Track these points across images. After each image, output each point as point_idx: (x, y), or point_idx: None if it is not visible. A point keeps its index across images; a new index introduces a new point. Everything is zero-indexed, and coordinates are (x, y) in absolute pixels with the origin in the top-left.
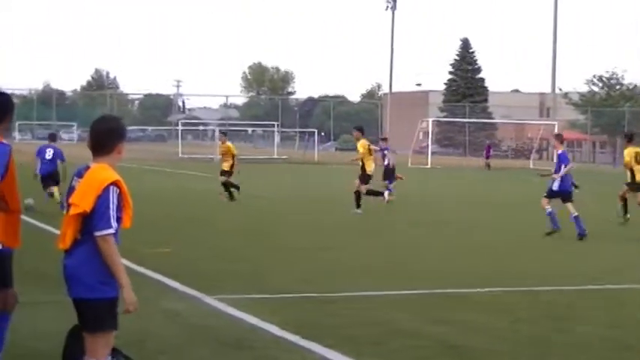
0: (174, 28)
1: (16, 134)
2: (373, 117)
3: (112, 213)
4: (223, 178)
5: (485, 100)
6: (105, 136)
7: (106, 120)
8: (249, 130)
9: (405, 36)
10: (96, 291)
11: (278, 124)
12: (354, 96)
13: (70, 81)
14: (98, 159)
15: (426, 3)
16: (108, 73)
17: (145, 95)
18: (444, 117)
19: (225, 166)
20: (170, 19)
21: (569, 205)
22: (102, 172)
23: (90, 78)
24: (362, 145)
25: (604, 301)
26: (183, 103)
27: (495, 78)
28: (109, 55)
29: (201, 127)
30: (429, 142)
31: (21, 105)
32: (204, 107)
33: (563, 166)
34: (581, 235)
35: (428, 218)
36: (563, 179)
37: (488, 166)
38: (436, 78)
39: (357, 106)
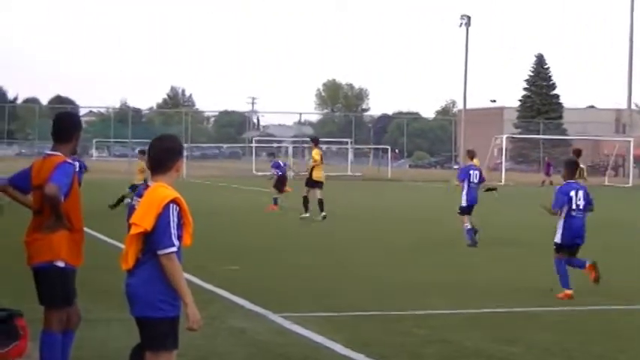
0: (250, 45)
1: (94, 151)
2: (447, 134)
3: (173, 231)
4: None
5: (560, 117)
6: (163, 155)
7: (164, 139)
8: (324, 146)
9: (479, 52)
10: (158, 310)
11: (351, 141)
12: (429, 112)
13: (147, 99)
14: (157, 177)
15: (500, 19)
16: (184, 91)
17: (220, 112)
18: (519, 133)
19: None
20: (246, 37)
21: (466, 217)
22: (161, 191)
23: (166, 96)
24: (316, 153)
25: None
26: (258, 120)
27: (570, 94)
28: (184, 73)
29: (275, 145)
30: (503, 159)
31: (98, 123)
32: (279, 124)
33: (460, 181)
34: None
35: (493, 236)
36: (469, 193)
37: (550, 183)
38: (511, 94)
39: (432, 122)
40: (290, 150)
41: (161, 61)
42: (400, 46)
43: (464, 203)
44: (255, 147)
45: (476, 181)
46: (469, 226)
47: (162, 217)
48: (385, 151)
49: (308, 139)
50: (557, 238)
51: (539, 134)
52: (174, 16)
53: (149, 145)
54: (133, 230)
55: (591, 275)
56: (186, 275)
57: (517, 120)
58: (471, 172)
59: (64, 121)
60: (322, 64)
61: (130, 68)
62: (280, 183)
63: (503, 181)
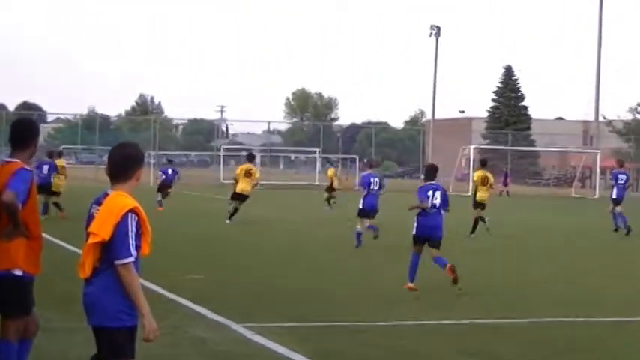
0: (220, 53)
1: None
2: (416, 144)
3: (131, 241)
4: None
5: (528, 128)
6: (123, 163)
7: (124, 147)
8: (292, 156)
9: (448, 63)
10: (115, 319)
11: (320, 150)
12: (398, 122)
13: (115, 106)
14: (116, 186)
15: (470, 30)
16: (152, 98)
17: (189, 120)
18: (487, 144)
19: None
20: (214, 44)
21: (360, 220)
22: (120, 200)
23: (134, 103)
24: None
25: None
26: (227, 128)
27: (539, 105)
28: (153, 81)
29: (243, 153)
30: (471, 170)
31: (66, 129)
32: (248, 133)
33: (362, 188)
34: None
35: (460, 245)
36: (367, 199)
37: (507, 193)
38: (479, 105)
39: (400, 132)
40: (258, 159)
41: (130, 69)
42: (370, 55)
43: (361, 206)
44: (224, 155)
45: (376, 188)
46: (360, 230)
47: (121, 227)
48: (353, 160)
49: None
50: (413, 231)
51: (507, 145)
52: (143, 23)
53: (109, 153)
54: (91, 239)
55: (451, 276)
56: (149, 284)
57: (485, 131)
58: (372, 179)
59: (21, 128)
60: (292, 73)
61: (98, 75)
62: (163, 186)
63: (470, 191)
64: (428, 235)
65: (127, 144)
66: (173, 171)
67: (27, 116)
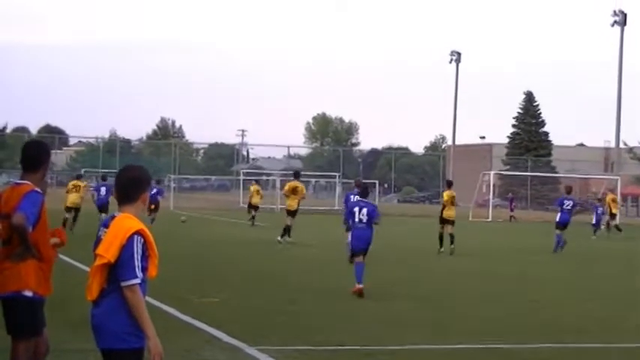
0: (240, 77)
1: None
2: (436, 169)
3: (137, 263)
4: None
5: (549, 154)
6: (129, 186)
7: (131, 169)
8: (312, 180)
9: (469, 88)
10: (122, 341)
11: (340, 175)
12: (418, 147)
13: (137, 130)
14: (123, 208)
15: (491, 56)
16: (174, 122)
17: (210, 144)
18: (507, 170)
19: None
20: (235, 68)
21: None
22: (126, 222)
23: (155, 127)
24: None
25: None
26: (248, 152)
27: (560, 132)
28: (174, 105)
29: (264, 177)
30: (490, 195)
31: (87, 153)
32: (269, 157)
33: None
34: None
35: (473, 269)
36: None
37: (513, 218)
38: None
39: (421, 158)
40: (277, 183)
41: (151, 93)
42: (391, 80)
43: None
44: (244, 179)
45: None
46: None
47: (126, 249)
48: (374, 185)
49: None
50: (350, 245)
51: (527, 171)
52: (164, 47)
53: (116, 176)
54: (98, 261)
55: (356, 292)
56: (164, 306)
57: (506, 157)
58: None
59: (32, 150)
60: (312, 98)
61: (120, 99)
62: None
63: (490, 217)
64: (357, 247)
65: (133, 167)
66: (157, 190)
67: (38, 138)
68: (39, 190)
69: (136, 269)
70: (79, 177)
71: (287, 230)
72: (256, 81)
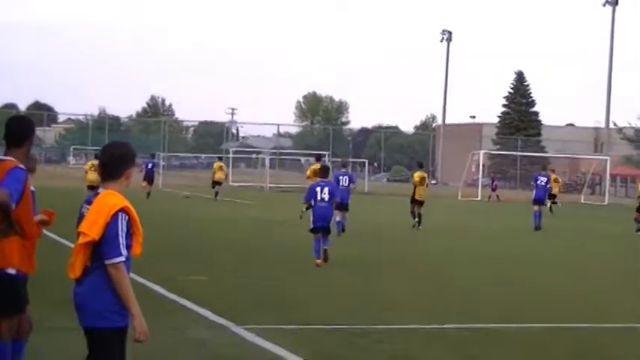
0: (231, 55)
1: (71, 158)
2: (426, 148)
3: (122, 240)
4: None
5: (539, 134)
6: (113, 162)
7: (115, 145)
8: (302, 159)
9: (459, 68)
10: (105, 320)
11: (330, 154)
12: (408, 127)
13: (126, 107)
14: (107, 185)
15: (481, 35)
16: (164, 100)
17: (200, 122)
18: (497, 150)
19: None
20: (226, 46)
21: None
22: (110, 199)
23: (145, 105)
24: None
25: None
26: (237, 130)
27: (550, 111)
28: (165, 83)
29: (253, 156)
30: (480, 175)
31: (77, 130)
32: (258, 135)
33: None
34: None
35: (454, 251)
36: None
37: (497, 197)
38: (490, 110)
39: (411, 137)
40: (267, 161)
41: (141, 70)
42: (381, 59)
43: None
44: (233, 158)
45: (345, 184)
46: (338, 219)
47: (111, 226)
48: (363, 164)
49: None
50: (311, 223)
51: (517, 151)
52: (155, 25)
53: (100, 152)
54: (81, 239)
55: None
56: (151, 284)
57: (496, 136)
58: (340, 177)
59: (16, 125)
60: (303, 77)
61: (110, 76)
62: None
63: (479, 196)
64: (320, 225)
65: (117, 143)
66: (153, 164)
67: (21, 114)
68: (23, 166)
69: (121, 247)
70: (97, 156)
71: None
72: (246, 59)
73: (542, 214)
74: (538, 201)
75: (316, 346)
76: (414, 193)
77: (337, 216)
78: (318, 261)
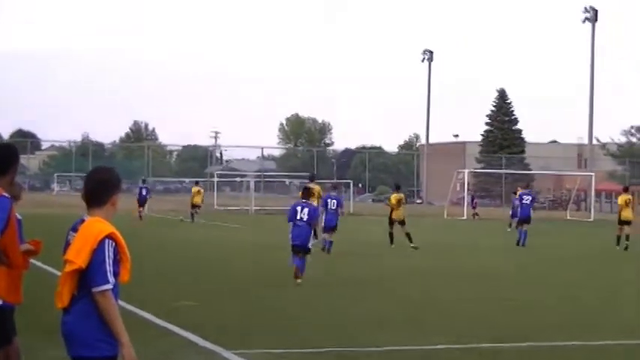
0: (213, 79)
1: (55, 185)
2: (410, 168)
3: (109, 267)
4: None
5: (523, 152)
6: (98, 188)
7: (100, 171)
8: (287, 181)
9: (442, 87)
10: (94, 349)
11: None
12: (392, 147)
13: (110, 133)
14: (93, 211)
15: (463, 54)
16: (147, 125)
17: (184, 147)
18: (481, 168)
19: None
20: (208, 70)
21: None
22: (96, 226)
23: (129, 130)
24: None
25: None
26: (221, 154)
27: (533, 129)
28: (147, 107)
29: (238, 179)
30: (465, 194)
31: (60, 157)
32: (243, 159)
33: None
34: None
35: (448, 269)
36: (326, 216)
37: (474, 215)
38: (473, 129)
39: (395, 157)
40: (252, 184)
41: (124, 96)
42: (363, 80)
43: (323, 223)
44: (218, 182)
45: (334, 207)
46: (327, 239)
47: (97, 254)
48: (348, 185)
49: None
50: (289, 240)
51: (501, 169)
52: (136, 50)
53: (85, 178)
54: (68, 267)
55: (295, 276)
56: (140, 311)
57: (480, 155)
58: (329, 200)
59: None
60: (285, 99)
61: (92, 103)
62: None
63: (465, 215)
64: (299, 244)
65: (102, 168)
66: (147, 190)
67: (5, 142)
68: (7, 195)
69: (108, 274)
70: (197, 183)
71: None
72: (229, 82)
73: (527, 233)
74: (523, 219)
75: None
76: (390, 214)
77: (327, 236)
78: (298, 280)
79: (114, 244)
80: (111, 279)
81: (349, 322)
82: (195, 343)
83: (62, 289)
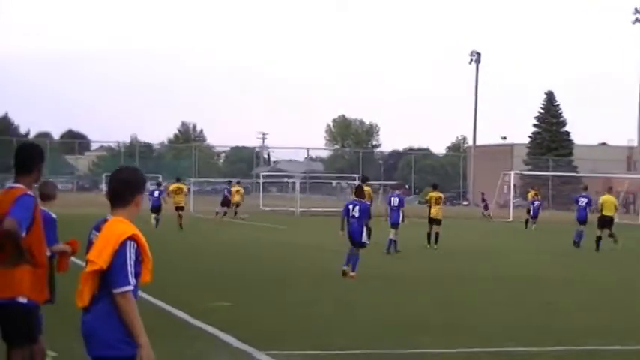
0: (261, 80)
1: (103, 186)
2: (457, 170)
3: (130, 269)
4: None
5: (570, 154)
6: (122, 188)
7: (124, 171)
8: (333, 182)
9: (489, 89)
10: (114, 349)
11: (359, 177)
12: (440, 148)
13: (158, 134)
14: (116, 211)
15: (510, 56)
16: (195, 126)
17: (231, 148)
18: (528, 170)
19: None
20: (256, 71)
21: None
22: (119, 227)
23: (177, 131)
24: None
25: None
26: (269, 155)
27: (581, 131)
28: (196, 109)
29: (285, 180)
30: (511, 196)
31: (109, 158)
32: (289, 160)
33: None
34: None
35: (489, 272)
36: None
37: (489, 216)
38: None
39: (442, 159)
40: (297, 185)
41: (173, 97)
42: (411, 81)
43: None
44: (264, 182)
45: (396, 205)
46: (392, 237)
47: (119, 255)
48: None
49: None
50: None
51: (548, 171)
52: (185, 52)
53: (109, 178)
54: (89, 267)
55: (349, 274)
56: (176, 311)
57: (527, 157)
58: (392, 198)
59: (25, 153)
60: (333, 100)
61: (142, 104)
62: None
63: (511, 217)
64: (352, 238)
65: (127, 168)
66: (160, 192)
67: (32, 141)
68: (31, 193)
69: (129, 275)
70: (178, 180)
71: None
72: (277, 84)
73: (583, 234)
74: (580, 221)
75: None
76: (429, 213)
77: (391, 234)
78: (345, 268)
79: (135, 245)
80: (132, 280)
81: (386, 324)
82: (229, 343)
83: (83, 288)
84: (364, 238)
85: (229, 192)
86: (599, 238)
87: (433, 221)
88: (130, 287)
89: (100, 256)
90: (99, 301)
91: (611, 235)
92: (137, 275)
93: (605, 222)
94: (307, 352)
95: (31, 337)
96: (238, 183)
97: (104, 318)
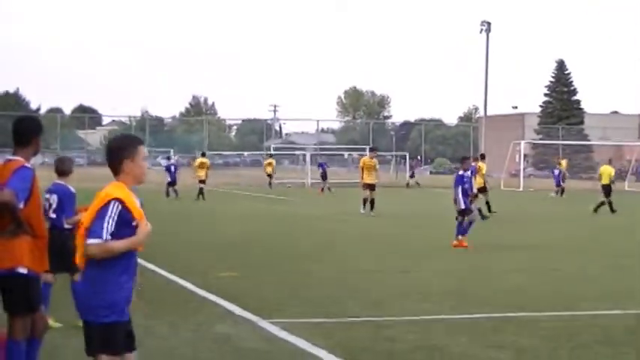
0: (272, 53)
1: None
2: (468, 140)
3: (107, 225)
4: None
5: (581, 122)
6: (110, 156)
7: (111, 140)
8: (345, 154)
9: (500, 58)
10: (95, 315)
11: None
12: (451, 119)
13: (169, 108)
14: (115, 178)
15: (521, 25)
16: (206, 100)
17: (243, 121)
18: (540, 139)
19: None
20: (266, 44)
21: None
22: (106, 190)
23: (188, 105)
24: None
25: None
26: (280, 127)
27: (592, 99)
28: (206, 82)
29: (296, 152)
30: (521, 165)
31: (120, 132)
32: (301, 132)
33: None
34: None
35: (492, 241)
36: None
37: (417, 183)
38: (532, 100)
39: (453, 129)
40: (308, 157)
41: (183, 70)
42: (421, 52)
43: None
44: (277, 155)
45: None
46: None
47: (100, 212)
48: (404, 157)
49: (327, 146)
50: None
51: (560, 140)
52: (195, 25)
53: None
54: (80, 229)
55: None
56: (183, 282)
57: (538, 126)
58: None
59: (23, 125)
60: (343, 72)
61: (152, 77)
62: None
63: (521, 186)
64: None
65: (115, 137)
66: (175, 166)
67: (29, 114)
68: (29, 165)
69: (103, 230)
70: (203, 154)
71: (370, 202)
72: (287, 56)
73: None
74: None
75: (341, 339)
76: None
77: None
78: (455, 242)
79: (120, 206)
80: (105, 235)
81: (392, 292)
82: (233, 312)
83: (78, 250)
84: (461, 204)
85: (176, 168)
86: (601, 203)
87: (482, 190)
88: (100, 240)
89: (87, 217)
90: (87, 267)
91: (604, 203)
92: (116, 237)
93: (604, 189)
94: (311, 320)
95: (31, 306)
96: (271, 156)
97: (88, 284)
